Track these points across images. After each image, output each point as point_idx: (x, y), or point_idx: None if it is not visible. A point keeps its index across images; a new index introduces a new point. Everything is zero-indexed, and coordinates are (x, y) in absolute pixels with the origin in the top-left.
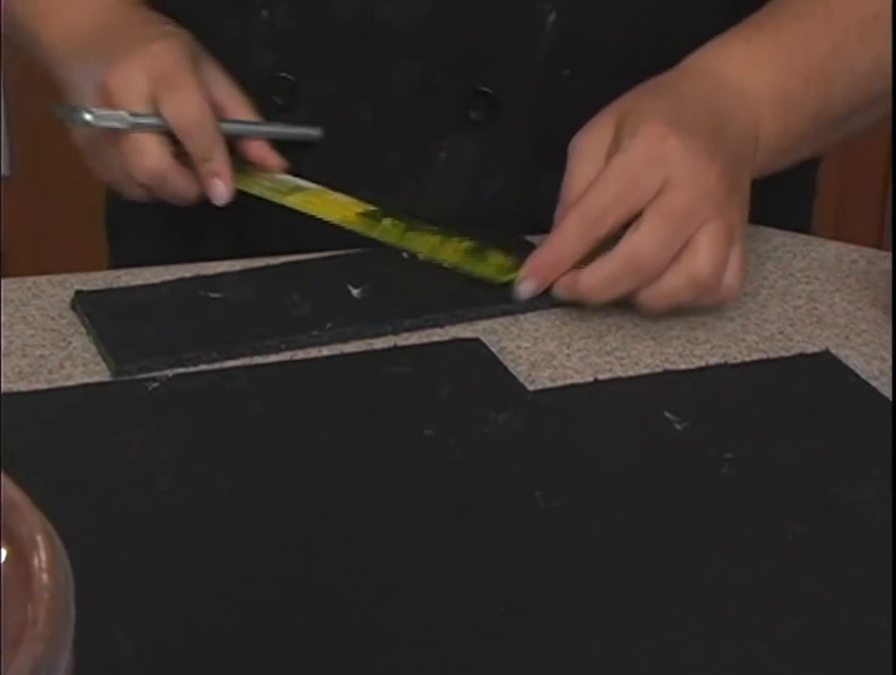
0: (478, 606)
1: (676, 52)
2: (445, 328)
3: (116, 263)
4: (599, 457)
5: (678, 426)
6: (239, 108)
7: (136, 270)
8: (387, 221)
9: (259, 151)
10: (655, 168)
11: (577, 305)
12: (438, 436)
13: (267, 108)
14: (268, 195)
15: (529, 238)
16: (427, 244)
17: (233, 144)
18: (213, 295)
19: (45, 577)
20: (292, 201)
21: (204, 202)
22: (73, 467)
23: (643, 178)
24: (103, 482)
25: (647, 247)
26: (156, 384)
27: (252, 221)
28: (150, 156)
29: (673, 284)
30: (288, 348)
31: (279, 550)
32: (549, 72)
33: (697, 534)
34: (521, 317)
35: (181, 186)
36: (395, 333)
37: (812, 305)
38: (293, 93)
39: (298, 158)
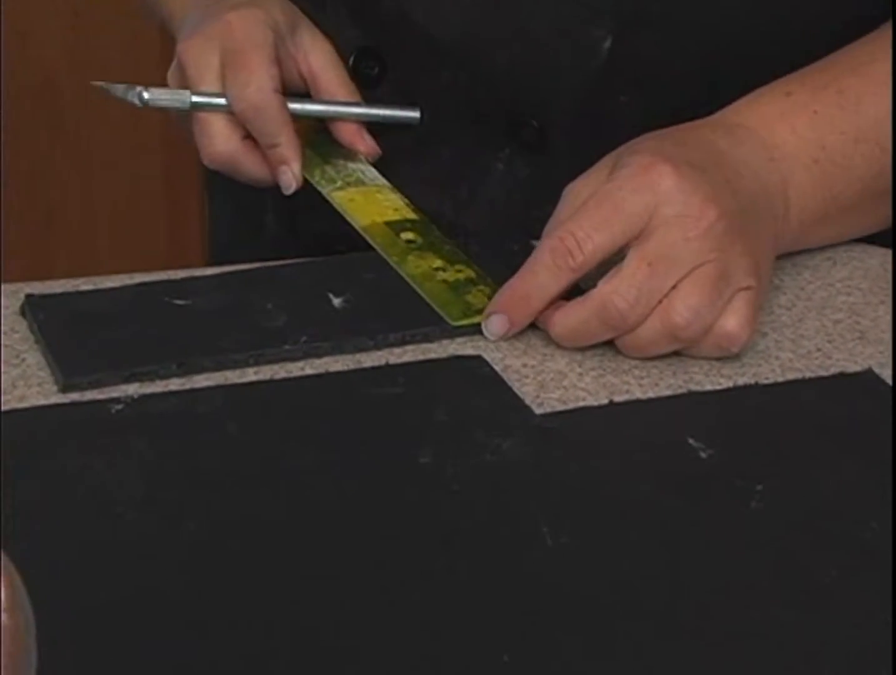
0: (478, 654)
1: (738, 83)
2: (442, 344)
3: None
4: (614, 489)
5: (703, 454)
6: (333, 82)
7: (97, 278)
8: (407, 235)
9: (349, 134)
10: (641, 195)
11: None
12: (435, 465)
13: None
14: (321, 185)
15: None
16: (419, 268)
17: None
18: (177, 302)
19: (4, 618)
20: (336, 197)
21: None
22: (27, 499)
23: (627, 205)
24: (61, 516)
25: (621, 297)
26: (119, 406)
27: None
28: (217, 140)
29: (647, 334)
30: (256, 363)
31: (257, 593)
32: (600, 100)
33: (723, 576)
34: (528, 332)
35: (253, 170)
36: (377, 347)
37: (854, 319)
38: (379, 68)
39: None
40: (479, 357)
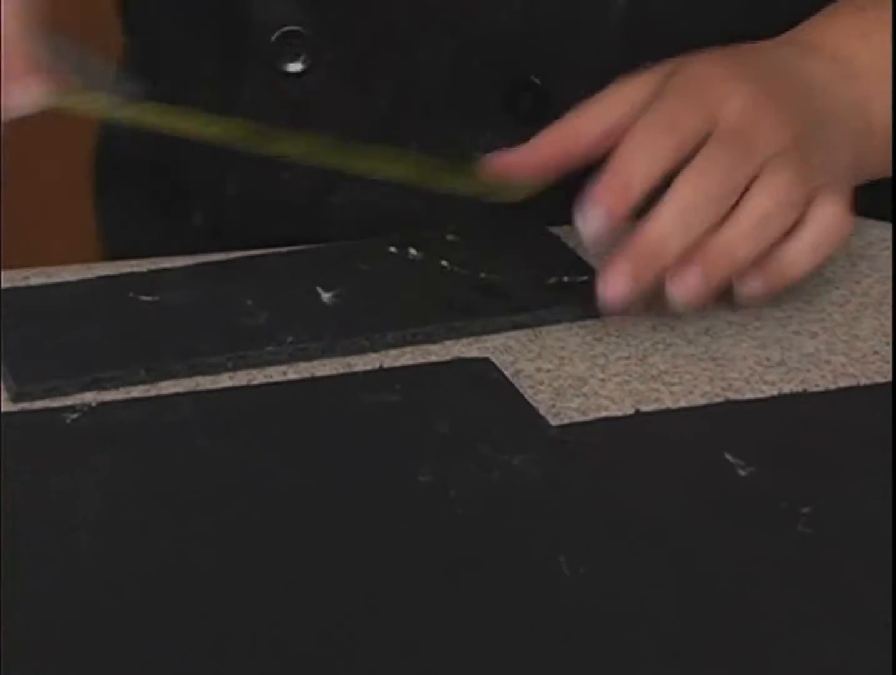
0: None
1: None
2: (443, 344)
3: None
4: (641, 512)
5: (742, 472)
6: None
7: (51, 269)
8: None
9: None
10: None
11: (613, 315)
12: (435, 484)
13: (272, 74)
14: (92, 105)
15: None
16: (367, 161)
17: None
18: (144, 298)
19: None
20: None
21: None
22: None
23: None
24: (10, 541)
25: (701, 187)
26: (75, 415)
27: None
28: None
29: (733, 231)
30: (236, 368)
31: (232, 631)
32: (615, 61)
33: (766, 612)
34: (543, 331)
35: None
36: (374, 350)
37: None
38: (305, 56)
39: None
40: (486, 360)
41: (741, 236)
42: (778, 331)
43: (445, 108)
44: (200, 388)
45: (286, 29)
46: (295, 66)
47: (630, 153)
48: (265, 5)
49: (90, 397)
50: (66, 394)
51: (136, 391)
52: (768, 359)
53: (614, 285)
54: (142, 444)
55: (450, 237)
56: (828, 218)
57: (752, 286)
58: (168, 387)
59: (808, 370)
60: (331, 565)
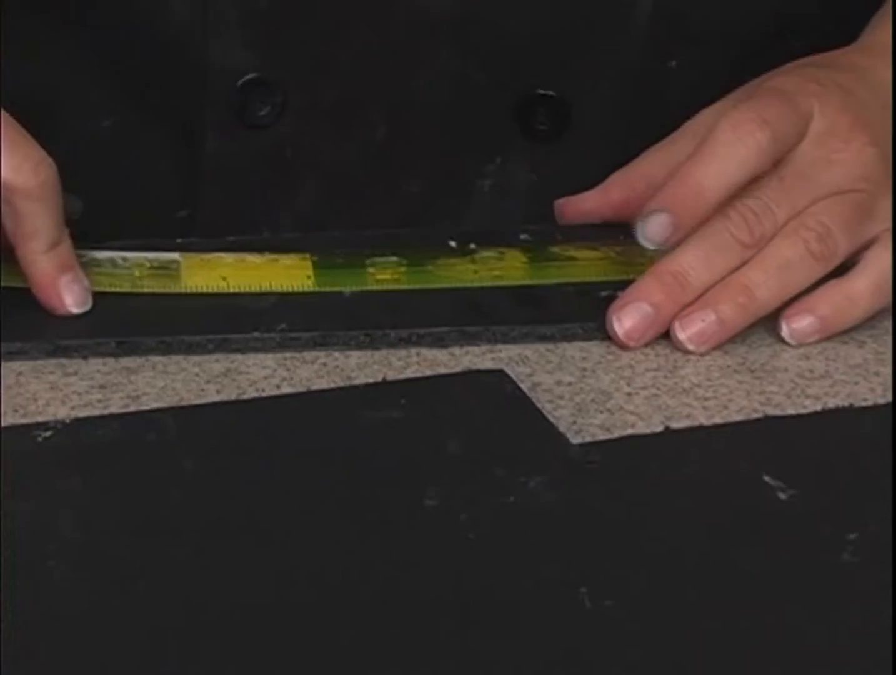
0: None
1: (812, 34)
2: (454, 355)
3: None
4: (670, 540)
5: (782, 495)
6: None
7: None
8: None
9: None
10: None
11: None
12: (445, 508)
13: (237, 126)
14: (125, 282)
15: None
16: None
17: None
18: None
19: None
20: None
21: None
22: None
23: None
24: None
25: (747, 207)
26: (48, 434)
27: None
28: None
29: (778, 250)
30: (218, 350)
31: (226, 671)
32: (640, 66)
33: (808, 648)
34: (564, 341)
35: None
36: (374, 346)
37: None
38: (274, 103)
39: (284, 194)
40: (500, 372)
41: (763, 279)
42: (822, 340)
43: (448, 136)
44: (183, 403)
45: (249, 77)
46: (262, 117)
47: (710, 154)
48: (220, 54)
49: (62, 413)
50: (30, 357)
51: (113, 405)
52: (811, 371)
53: (630, 321)
54: (120, 465)
55: (522, 236)
56: (884, 265)
57: (803, 324)
58: (146, 402)
59: (856, 383)
60: (329, 599)
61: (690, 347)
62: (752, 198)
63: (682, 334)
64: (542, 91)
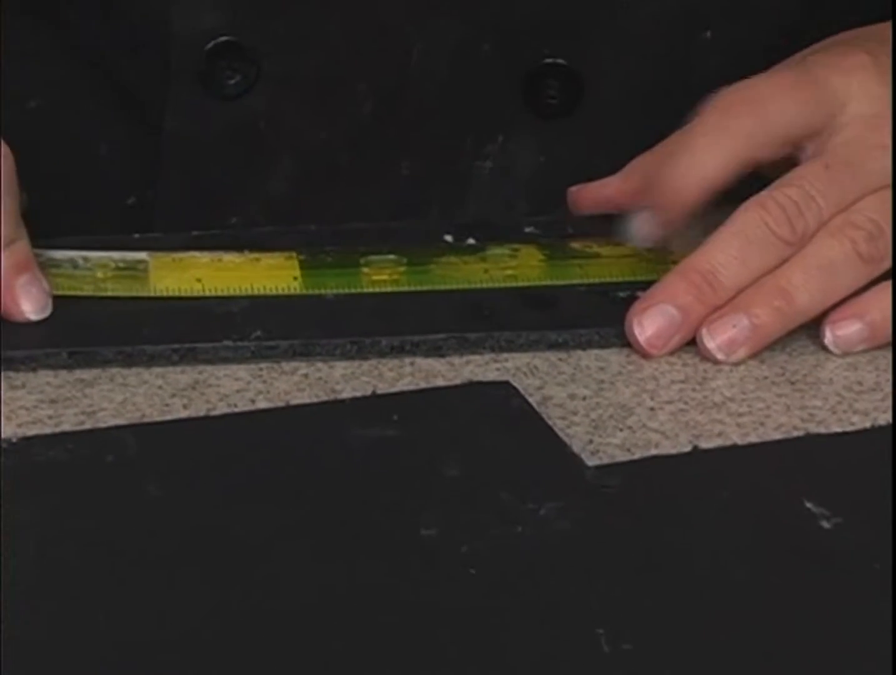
0: None
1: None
2: (453, 365)
3: None
4: (698, 574)
5: (826, 524)
6: None
7: None
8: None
9: None
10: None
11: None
12: (443, 540)
13: (203, 97)
14: (87, 284)
15: None
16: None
17: None
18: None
19: None
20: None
21: None
22: None
23: (805, 93)
24: None
25: (787, 197)
26: None
27: None
28: None
29: (820, 249)
30: (184, 360)
31: None
32: (662, 29)
33: None
34: (578, 349)
35: None
36: (362, 355)
37: None
38: (246, 71)
39: (255, 177)
40: (506, 384)
41: (803, 281)
42: (871, 348)
43: (444, 111)
44: (145, 419)
45: (219, 41)
46: (232, 86)
47: (689, 147)
48: (185, 14)
49: (9, 430)
50: None
51: (65, 422)
52: (859, 383)
53: (654, 325)
54: (73, 491)
55: (528, 229)
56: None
57: (849, 331)
58: (104, 418)
59: None
60: (309, 647)
61: (720, 356)
62: (794, 187)
63: (710, 342)
64: (551, 60)
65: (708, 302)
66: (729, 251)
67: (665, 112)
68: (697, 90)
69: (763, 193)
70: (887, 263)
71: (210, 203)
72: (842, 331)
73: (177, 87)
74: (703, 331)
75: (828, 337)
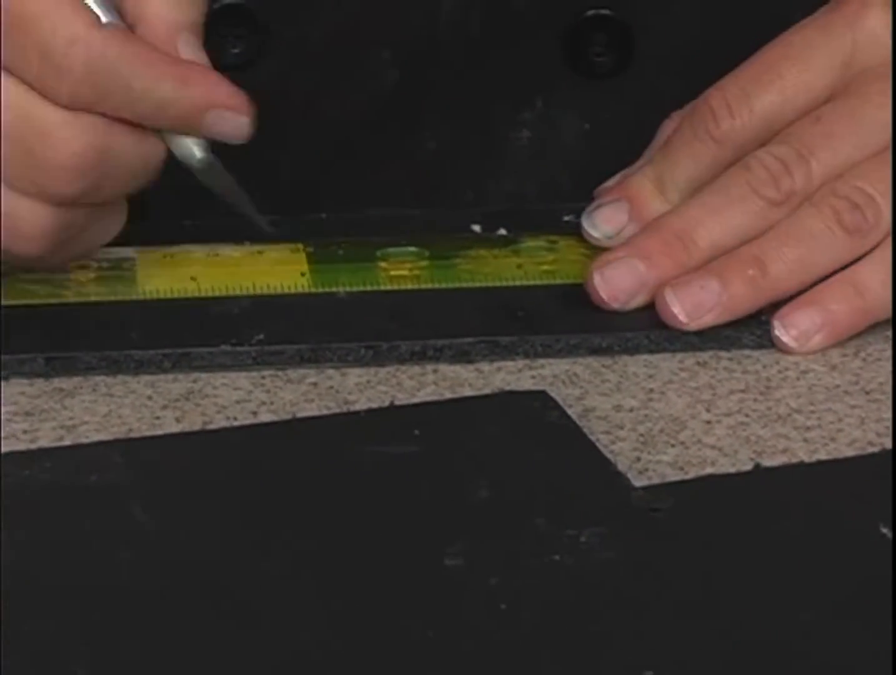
0: None
1: None
2: (480, 368)
3: None
4: (760, 609)
5: None
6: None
7: None
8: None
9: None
10: (831, 38)
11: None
12: (471, 570)
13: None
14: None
15: None
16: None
17: None
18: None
19: None
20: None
21: None
22: None
23: (809, 53)
24: None
25: (769, 154)
26: None
27: None
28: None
29: (803, 219)
30: (176, 368)
31: None
32: None
33: None
34: (624, 354)
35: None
36: (379, 362)
37: None
38: (251, 38)
39: (261, 156)
40: (542, 394)
41: (779, 252)
42: None
43: (477, 76)
44: (132, 433)
45: (222, 2)
46: (236, 56)
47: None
48: None
49: None
50: None
51: (42, 437)
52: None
53: (618, 278)
54: (52, 515)
55: (567, 218)
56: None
57: (800, 320)
58: (86, 432)
59: None
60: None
61: (682, 318)
62: (782, 145)
63: (676, 305)
64: (596, 11)
65: (678, 260)
66: (707, 210)
67: (725, 69)
68: (759, 42)
69: (750, 154)
70: (876, 236)
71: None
72: (791, 320)
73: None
74: (667, 291)
75: (776, 327)
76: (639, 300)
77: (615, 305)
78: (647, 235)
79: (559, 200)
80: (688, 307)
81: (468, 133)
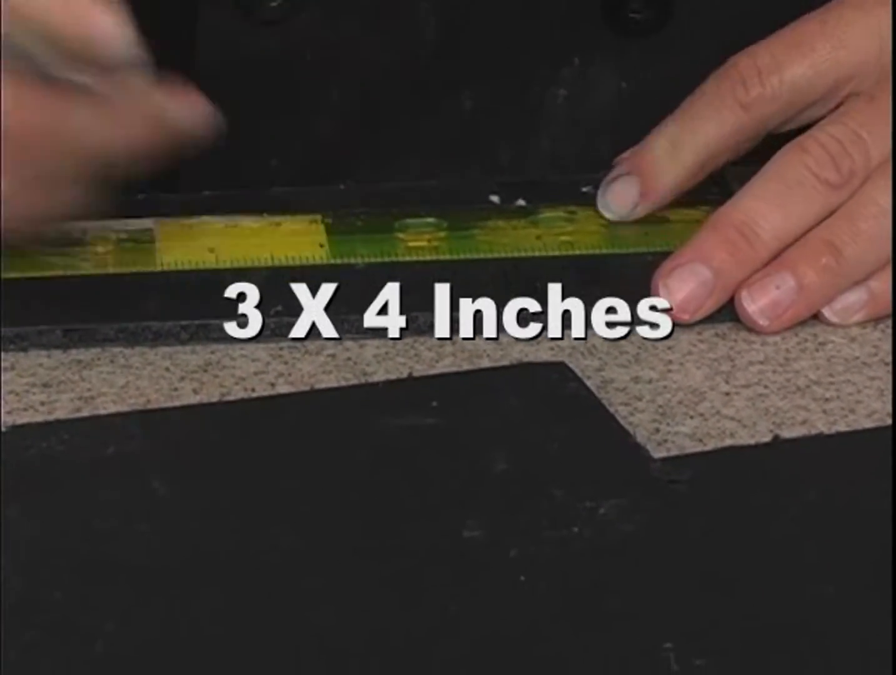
0: None
1: None
2: (500, 342)
3: None
4: (780, 581)
5: None
6: None
7: None
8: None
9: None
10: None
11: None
12: (489, 543)
13: (239, 22)
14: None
15: None
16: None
17: None
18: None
19: None
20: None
21: None
22: None
23: (839, 28)
24: None
25: (815, 141)
26: None
27: None
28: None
29: (858, 206)
30: (194, 340)
31: None
32: None
33: None
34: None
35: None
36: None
37: None
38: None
39: (300, 114)
40: (561, 365)
41: (851, 234)
42: None
43: (515, 33)
44: (150, 405)
45: None
46: (273, 9)
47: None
48: None
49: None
50: None
51: (59, 409)
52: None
53: (682, 287)
54: (70, 487)
55: (586, 189)
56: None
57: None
58: (104, 403)
59: None
60: (339, 663)
61: (763, 321)
62: (837, 124)
63: (752, 305)
64: None
65: (745, 259)
66: (766, 199)
67: (769, 27)
68: (800, 2)
69: (803, 134)
70: None
71: (243, 146)
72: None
73: (206, 8)
74: (743, 293)
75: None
76: (709, 306)
77: (686, 318)
78: (707, 233)
79: (594, 160)
80: (766, 308)
81: (505, 90)
